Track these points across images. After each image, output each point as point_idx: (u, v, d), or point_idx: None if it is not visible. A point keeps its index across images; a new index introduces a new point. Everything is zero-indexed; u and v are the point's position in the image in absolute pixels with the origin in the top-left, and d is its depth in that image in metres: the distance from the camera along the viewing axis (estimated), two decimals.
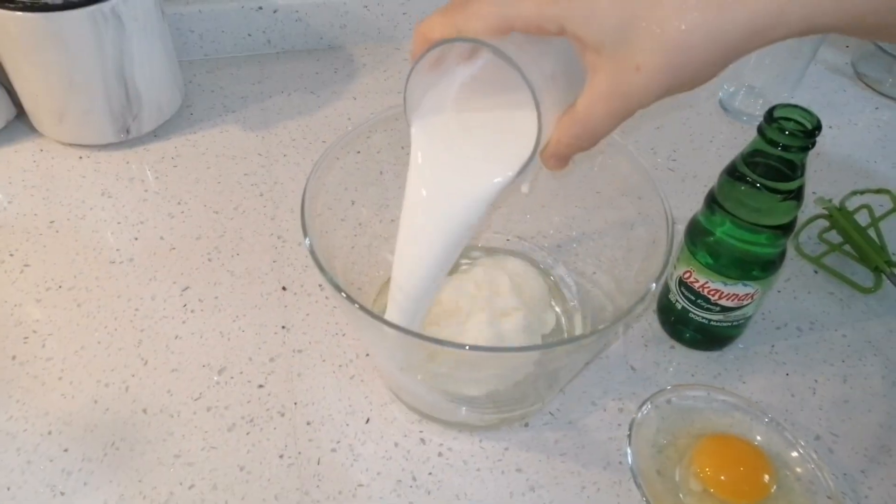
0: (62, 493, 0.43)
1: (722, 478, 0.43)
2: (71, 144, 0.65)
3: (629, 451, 0.44)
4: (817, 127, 0.40)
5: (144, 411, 0.47)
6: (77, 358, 0.50)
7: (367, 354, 0.50)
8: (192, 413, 0.47)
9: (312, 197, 0.44)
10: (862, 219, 0.58)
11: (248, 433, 0.46)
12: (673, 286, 0.49)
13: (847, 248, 0.57)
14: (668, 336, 0.52)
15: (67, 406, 0.47)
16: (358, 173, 0.51)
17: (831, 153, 0.68)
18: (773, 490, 0.43)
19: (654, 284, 0.39)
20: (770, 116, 0.41)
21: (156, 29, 0.63)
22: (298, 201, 0.46)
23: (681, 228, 0.48)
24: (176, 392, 0.48)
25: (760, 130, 0.41)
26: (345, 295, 0.38)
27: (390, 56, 0.78)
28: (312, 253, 0.41)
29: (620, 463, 0.45)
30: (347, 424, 0.47)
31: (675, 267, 0.49)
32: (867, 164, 0.68)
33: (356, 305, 0.37)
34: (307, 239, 0.41)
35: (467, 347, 0.37)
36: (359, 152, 0.50)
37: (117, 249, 0.57)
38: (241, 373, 0.49)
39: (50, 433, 0.46)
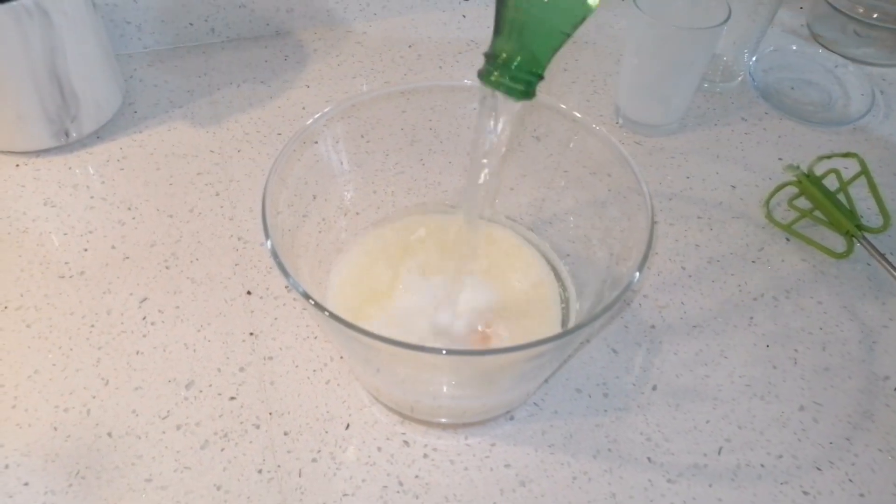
0: None
1: None
2: (5, 152, 0.61)
3: None
4: None
5: (109, 435, 0.44)
6: (31, 383, 0.46)
7: (342, 357, 0.48)
8: (160, 433, 0.44)
9: (272, 196, 0.41)
10: (831, 184, 0.58)
11: (222, 449, 0.44)
12: None
13: (818, 213, 0.56)
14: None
15: (24, 436, 0.44)
16: (318, 166, 0.48)
17: (794, 116, 0.68)
18: None
19: (637, 274, 0.37)
20: None
21: (87, 21, 0.59)
22: (257, 199, 0.43)
23: (655, 203, 0.47)
24: (142, 412, 0.45)
25: None
26: (313, 302, 0.36)
27: (342, 39, 0.75)
28: (276, 257, 0.38)
29: (609, 450, 0.44)
30: (326, 432, 0.45)
31: None
32: (829, 125, 0.68)
33: (326, 313, 0.35)
34: (269, 241, 0.39)
35: (444, 352, 0.35)
36: (316, 142, 0.47)
37: (66, 263, 0.53)
38: (211, 385, 0.47)
39: (7, 467, 0.43)
